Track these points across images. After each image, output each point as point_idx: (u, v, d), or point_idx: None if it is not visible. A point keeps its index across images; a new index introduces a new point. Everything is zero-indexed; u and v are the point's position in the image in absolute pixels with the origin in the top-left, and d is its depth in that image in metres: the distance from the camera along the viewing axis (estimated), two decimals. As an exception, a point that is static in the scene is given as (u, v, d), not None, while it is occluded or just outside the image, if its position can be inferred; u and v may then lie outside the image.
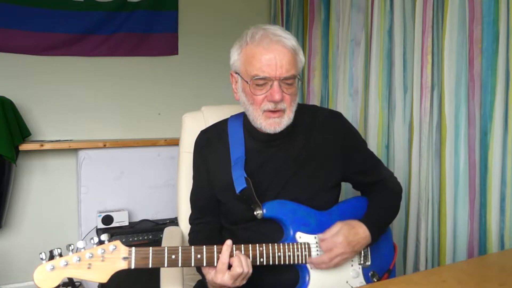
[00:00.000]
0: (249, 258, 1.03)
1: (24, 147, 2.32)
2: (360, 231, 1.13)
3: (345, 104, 2.16)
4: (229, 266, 1.00)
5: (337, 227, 1.11)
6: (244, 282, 1.02)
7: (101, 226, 2.35)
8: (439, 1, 1.64)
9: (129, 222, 2.44)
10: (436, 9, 1.65)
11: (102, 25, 2.65)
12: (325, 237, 1.10)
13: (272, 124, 1.12)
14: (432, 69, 1.67)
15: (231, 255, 1.00)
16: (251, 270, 1.02)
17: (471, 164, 1.54)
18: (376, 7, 1.92)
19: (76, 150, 2.49)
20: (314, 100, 2.45)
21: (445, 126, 1.58)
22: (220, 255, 1.00)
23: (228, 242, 1.01)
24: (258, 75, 1.08)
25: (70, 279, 2.28)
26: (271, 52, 1.07)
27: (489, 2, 1.43)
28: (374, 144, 1.93)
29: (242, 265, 0.99)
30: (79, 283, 2.44)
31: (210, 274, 1.01)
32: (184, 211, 1.51)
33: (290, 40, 1.10)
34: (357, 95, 2.13)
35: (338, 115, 1.29)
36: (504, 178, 1.41)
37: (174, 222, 2.39)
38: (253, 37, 1.10)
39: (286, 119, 1.13)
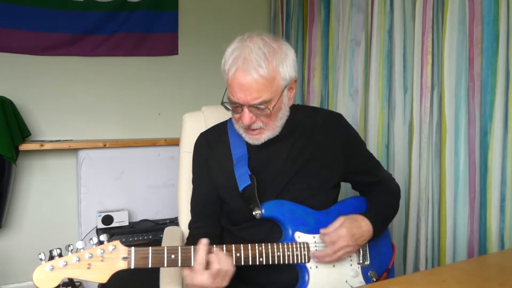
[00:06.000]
0: (249, 257, 1.02)
1: (24, 147, 2.32)
2: (363, 224, 1.13)
3: (345, 104, 2.16)
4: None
5: (340, 220, 1.11)
6: (226, 283, 0.99)
7: (101, 226, 2.35)
8: (439, 1, 1.64)
9: (129, 222, 2.44)
10: (436, 9, 1.65)
11: (102, 25, 2.65)
12: (328, 231, 1.10)
13: (251, 138, 1.13)
14: (432, 69, 1.67)
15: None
16: (231, 268, 0.98)
17: (471, 164, 1.54)
18: (376, 7, 1.92)
19: (76, 150, 2.49)
20: (314, 100, 2.45)
21: (445, 126, 1.58)
22: (195, 255, 0.96)
23: (204, 241, 0.98)
24: (230, 98, 1.08)
25: (70, 279, 2.28)
26: (241, 78, 1.03)
27: (489, 2, 1.43)
28: (374, 144, 1.93)
29: (221, 261, 0.97)
30: (79, 283, 2.44)
31: (189, 277, 0.97)
32: (184, 211, 1.51)
33: (262, 68, 1.02)
34: (357, 95, 2.13)
35: (339, 116, 1.29)
36: (504, 178, 1.41)
37: (174, 222, 2.39)
38: (232, 55, 1.06)
39: (267, 134, 1.13)
